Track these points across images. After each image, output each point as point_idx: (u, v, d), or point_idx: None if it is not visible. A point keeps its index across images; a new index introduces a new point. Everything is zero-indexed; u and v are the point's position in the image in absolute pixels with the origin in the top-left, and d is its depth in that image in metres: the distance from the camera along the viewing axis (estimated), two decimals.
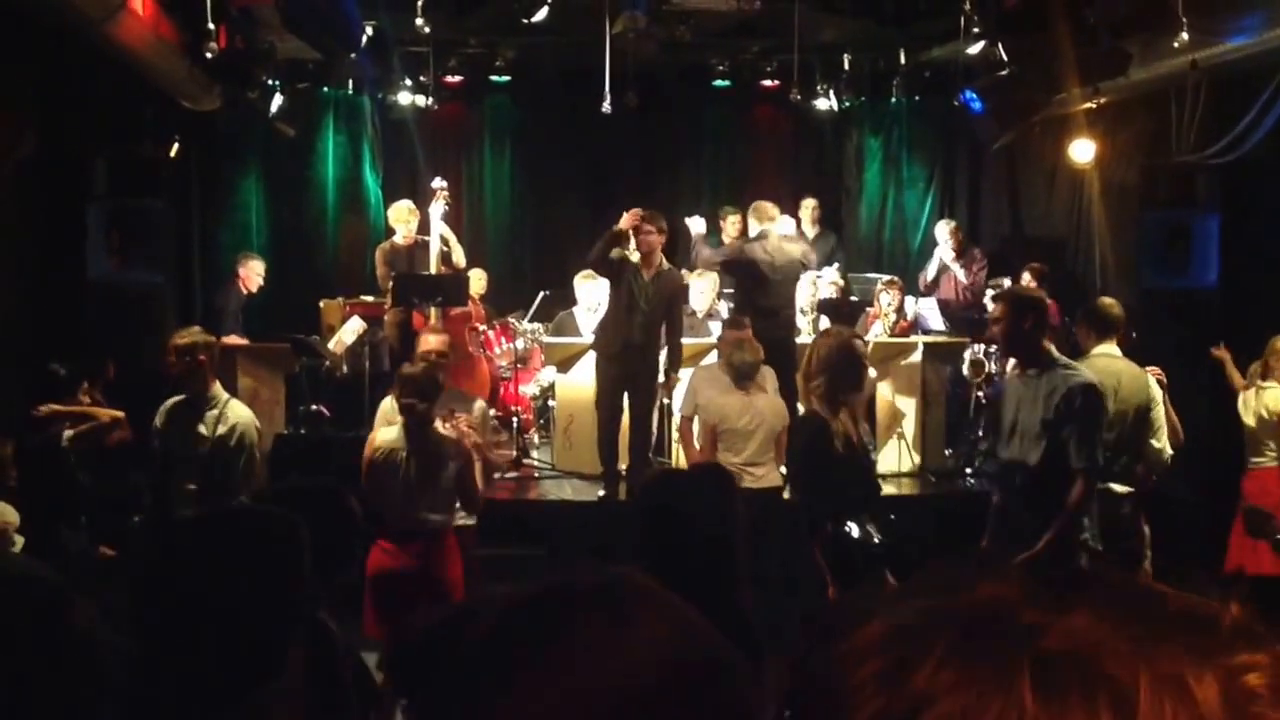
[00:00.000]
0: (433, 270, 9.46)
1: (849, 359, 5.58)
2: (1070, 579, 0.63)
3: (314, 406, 10.07)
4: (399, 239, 9.76)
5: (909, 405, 9.36)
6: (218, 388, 5.91)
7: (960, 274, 10.78)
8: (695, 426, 7.30)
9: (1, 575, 2.06)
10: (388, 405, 6.02)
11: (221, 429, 5.77)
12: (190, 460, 5.76)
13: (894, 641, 0.61)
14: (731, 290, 9.53)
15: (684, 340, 9.28)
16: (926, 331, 9.99)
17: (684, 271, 9.90)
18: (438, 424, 5.76)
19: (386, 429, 5.79)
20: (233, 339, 10.05)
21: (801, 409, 5.67)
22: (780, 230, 9.09)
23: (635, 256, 8.28)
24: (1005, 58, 9.44)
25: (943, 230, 11.10)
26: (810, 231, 11.38)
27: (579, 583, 0.90)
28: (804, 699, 0.65)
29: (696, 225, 9.25)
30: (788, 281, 8.90)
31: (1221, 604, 0.61)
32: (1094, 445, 5.15)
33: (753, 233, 9.07)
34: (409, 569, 5.47)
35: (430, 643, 0.88)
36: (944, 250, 10.93)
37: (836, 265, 11.17)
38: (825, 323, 10.14)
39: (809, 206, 11.57)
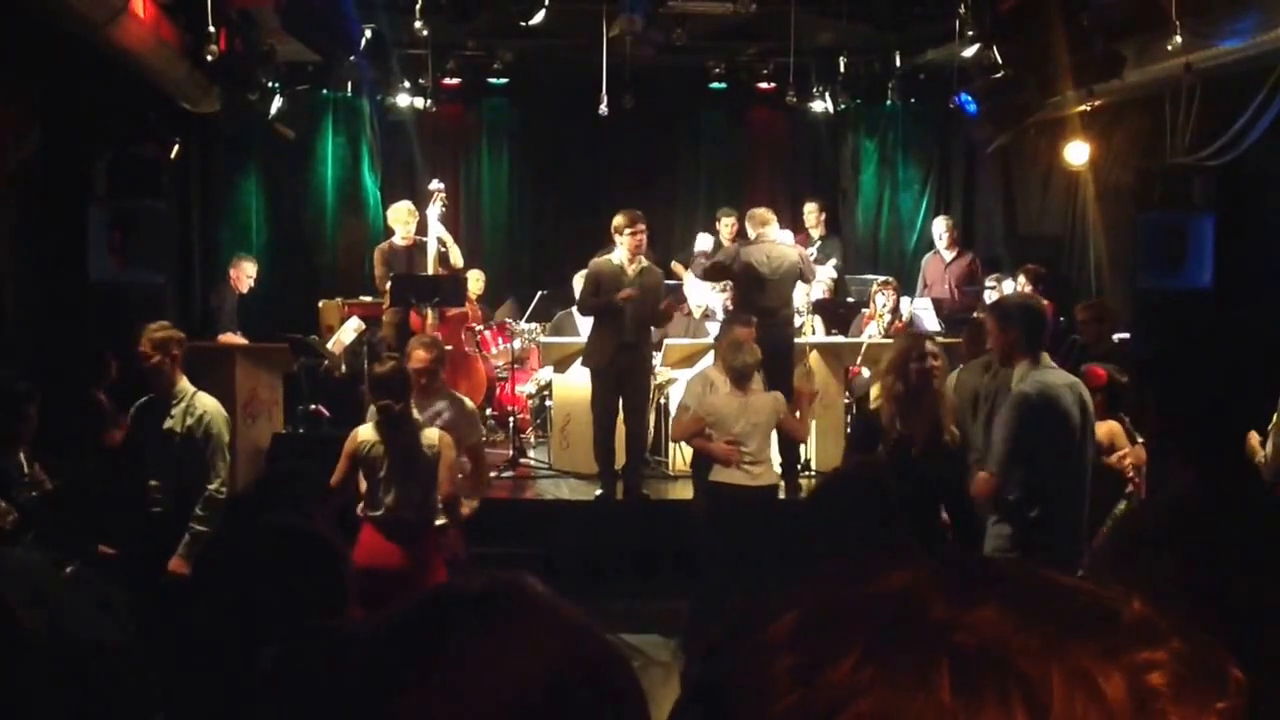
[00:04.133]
0: (430, 271, 9.51)
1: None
2: (976, 569, 0.63)
3: (312, 406, 10.13)
4: (398, 240, 9.79)
5: None
6: (184, 382, 5.87)
7: (946, 256, 11.00)
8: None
9: None
10: None
11: (189, 421, 5.76)
12: (162, 458, 5.76)
13: (808, 635, 0.60)
14: (730, 290, 9.59)
15: (682, 340, 9.35)
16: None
17: (675, 265, 10.01)
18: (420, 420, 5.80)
19: (367, 425, 5.83)
20: (229, 338, 10.11)
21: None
22: (776, 235, 9.14)
23: (617, 259, 8.35)
24: (1000, 60, 9.48)
25: (940, 225, 11.29)
26: (815, 234, 11.44)
27: (459, 592, 0.89)
28: (715, 691, 0.63)
29: (703, 243, 9.64)
30: (785, 282, 8.93)
31: (1122, 598, 0.61)
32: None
33: (750, 238, 9.12)
34: (384, 565, 5.43)
35: (315, 656, 0.89)
36: (939, 244, 11.11)
37: (833, 262, 11.23)
38: (819, 323, 10.21)
39: (812, 210, 11.62)
